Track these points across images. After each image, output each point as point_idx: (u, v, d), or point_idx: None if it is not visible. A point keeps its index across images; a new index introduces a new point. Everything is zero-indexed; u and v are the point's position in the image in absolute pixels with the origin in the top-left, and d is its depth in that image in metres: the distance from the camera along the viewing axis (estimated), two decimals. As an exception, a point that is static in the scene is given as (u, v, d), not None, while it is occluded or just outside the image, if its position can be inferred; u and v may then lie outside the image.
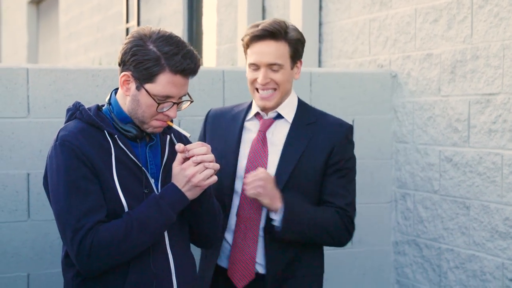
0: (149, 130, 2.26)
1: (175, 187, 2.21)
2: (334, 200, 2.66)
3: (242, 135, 2.72)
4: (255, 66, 2.63)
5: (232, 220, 2.67)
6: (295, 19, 4.71)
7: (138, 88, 2.19)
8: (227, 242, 2.68)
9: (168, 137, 2.36)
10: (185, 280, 2.31)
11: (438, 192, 3.58)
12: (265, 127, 2.70)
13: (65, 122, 2.28)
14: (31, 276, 3.10)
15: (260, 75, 2.62)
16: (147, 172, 2.26)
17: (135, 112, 2.23)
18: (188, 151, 2.21)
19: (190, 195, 2.22)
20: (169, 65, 2.16)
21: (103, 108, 2.30)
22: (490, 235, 3.28)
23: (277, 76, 2.62)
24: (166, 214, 2.19)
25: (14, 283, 3.07)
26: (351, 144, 2.74)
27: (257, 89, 2.65)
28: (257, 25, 2.63)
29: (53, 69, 3.13)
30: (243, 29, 5.40)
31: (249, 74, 2.66)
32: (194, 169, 2.20)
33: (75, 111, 2.27)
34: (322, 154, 2.66)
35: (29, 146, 3.08)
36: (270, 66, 2.61)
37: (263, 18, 5.34)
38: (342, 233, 2.66)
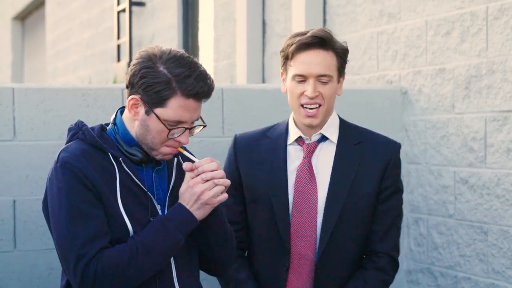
0: (158, 157, 2.25)
1: (182, 207, 2.19)
2: (382, 248, 2.66)
3: (287, 164, 2.66)
4: (302, 78, 2.56)
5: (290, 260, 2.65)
6: (298, 33, 4.71)
7: (147, 113, 2.18)
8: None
9: (175, 159, 2.35)
10: None
11: (453, 216, 3.55)
12: (310, 152, 2.64)
13: (67, 143, 2.27)
14: (17, 311, 3.06)
15: (309, 88, 2.55)
16: (153, 198, 2.24)
17: (143, 137, 2.21)
18: (197, 168, 2.19)
19: (199, 214, 2.19)
20: (181, 89, 2.14)
21: (108, 128, 2.29)
22: (511, 262, 3.25)
23: (325, 89, 2.56)
24: (173, 236, 2.16)
25: (-1, 318, 3.04)
26: (400, 163, 2.73)
27: (302, 105, 2.58)
28: (303, 33, 2.58)
29: (40, 88, 3.12)
30: (242, 45, 5.40)
31: (295, 88, 2.58)
32: (203, 186, 2.17)
33: (78, 131, 2.25)
34: (375, 178, 2.63)
35: (15, 171, 3.05)
36: (319, 77, 2.55)
37: (264, 32, 5.35)
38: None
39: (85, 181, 2.13)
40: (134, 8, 7.69)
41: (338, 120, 2.73)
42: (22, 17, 14.55)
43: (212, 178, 2.18)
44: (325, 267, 2.60)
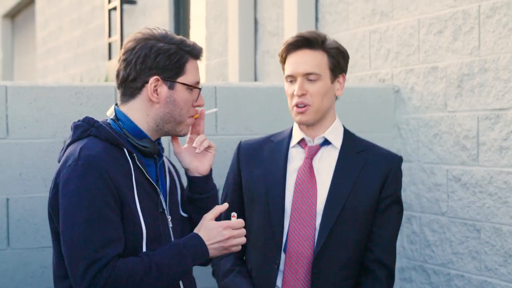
0: (183, 131, 2.33)
1: (201, 241, 2.23)
2: (385, 260, 2.69)
3: (288, 165, 2.71)
4: (291, 78, 2.65)
5: (281, 258, 2.66)
6: (290, 31, 4.71)
7: (171, 87, 2.24)
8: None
9: (167, 163, 2.41)
10: None
11: (446, 214, 3.56)
12: (312, 154, 2.69)
13: (75, 140, 2.24)
14: (10, 310, 3.05)
15: (296, 86, 2.62)
16: (161, 194, 2.29)
17: (170, 115, 2.26)
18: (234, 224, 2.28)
19: (213, 252, 2.25)
20: (189, 52, 2.26)
21: (111, 124, 2.28)
22: (503, 259, 3.26)
23: (313, 88, 2.61)
24: (187, 265, 2.20)
25: (-8, 317, 3.03)
26: (401, 176, 2.79)
27: (296, 105, 2.64)
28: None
29: (33, 86, 3.11)
30: (234, 43, 5.40)
31: (288, 89, 2.67)
32: (232, 232, 2.24)
33: (89, 128, 2.23)
34: (376, 186, 2.68)
35: (9, 169, 3.04)
36: (306, 76, 2.61)
37: (256, 30, 5.35)
38: None
39: (108, 182, 2.11)
40: (125, 6, 7.67)
41: (342, 128, 2.78)
42: (12, 15, 14.50)
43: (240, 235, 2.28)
44: (320, 268, 2.61)
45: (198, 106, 2.32)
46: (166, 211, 2.30)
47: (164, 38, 2.24)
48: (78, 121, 2.28)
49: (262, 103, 3.51)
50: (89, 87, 3.20)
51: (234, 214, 2.29)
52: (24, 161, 3.06)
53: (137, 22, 7.53)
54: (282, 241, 2.64)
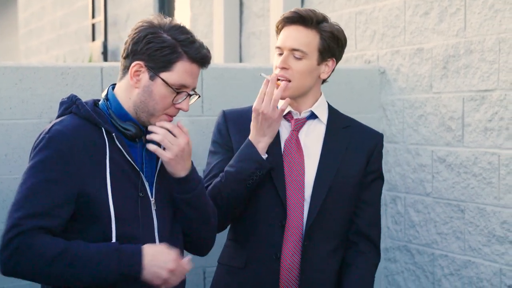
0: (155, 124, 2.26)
1: (140, 255, 2.13)
2: (370, 233, 2.74)
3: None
4: (279, 50, 2.64)
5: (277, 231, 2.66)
6: (276, 13, 4.71)
7: (152, 78, 2.21)
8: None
9: None
10: None
11: (430, 194, 3.59)
12: (298, 127, 2.70)
13: (58, 116, 2.26)
14: (-3, 290, 3.06)
15: (280, 59, 2.61)
16: (142, 175, 2.25)
17: (145, 104, 2.23)
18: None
19: (146, 275, 2.14)
20: (187, 53, 2.20)
21: (100, 103, 2.29)
22: (487, 239, 3.30)
23: (297, 65, 2.60)
24: (107, 271, 2.10)
25: (-21, 298, 3.03)
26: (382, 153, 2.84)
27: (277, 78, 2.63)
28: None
29: (19, 67, 3.09)
30: (219, 24, 5.39)
31: (275, 60, 2.66)
32: (177, 269, 2.16)
33: (71, 105, 2.25)
34: (361, 161, 2.72)
35: (-6, 150, 3.04)
36: (292, 51, 2.60)
37: (241, 12, 5.34)
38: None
39: (67, 158, 2.11)
40: (109, -14, 7.64)
41: (327, 105, 2.79)
42: (-7, -5, 14.36)
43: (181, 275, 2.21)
44: (311, 240, 2.64)
45: (180, 109, 2.27)
46: (149, 195, 2.25)
47: (170, 30, 2.20)
48: (64, 98, 2.29)
49: (248, 84, 3.51)
50: (75, 67, 3.20)
51: (189, 256, 2.23)
52: (10, 142, 3.05)
53: (121, 3, 7.49)
54: (286, 205, 2.64)
